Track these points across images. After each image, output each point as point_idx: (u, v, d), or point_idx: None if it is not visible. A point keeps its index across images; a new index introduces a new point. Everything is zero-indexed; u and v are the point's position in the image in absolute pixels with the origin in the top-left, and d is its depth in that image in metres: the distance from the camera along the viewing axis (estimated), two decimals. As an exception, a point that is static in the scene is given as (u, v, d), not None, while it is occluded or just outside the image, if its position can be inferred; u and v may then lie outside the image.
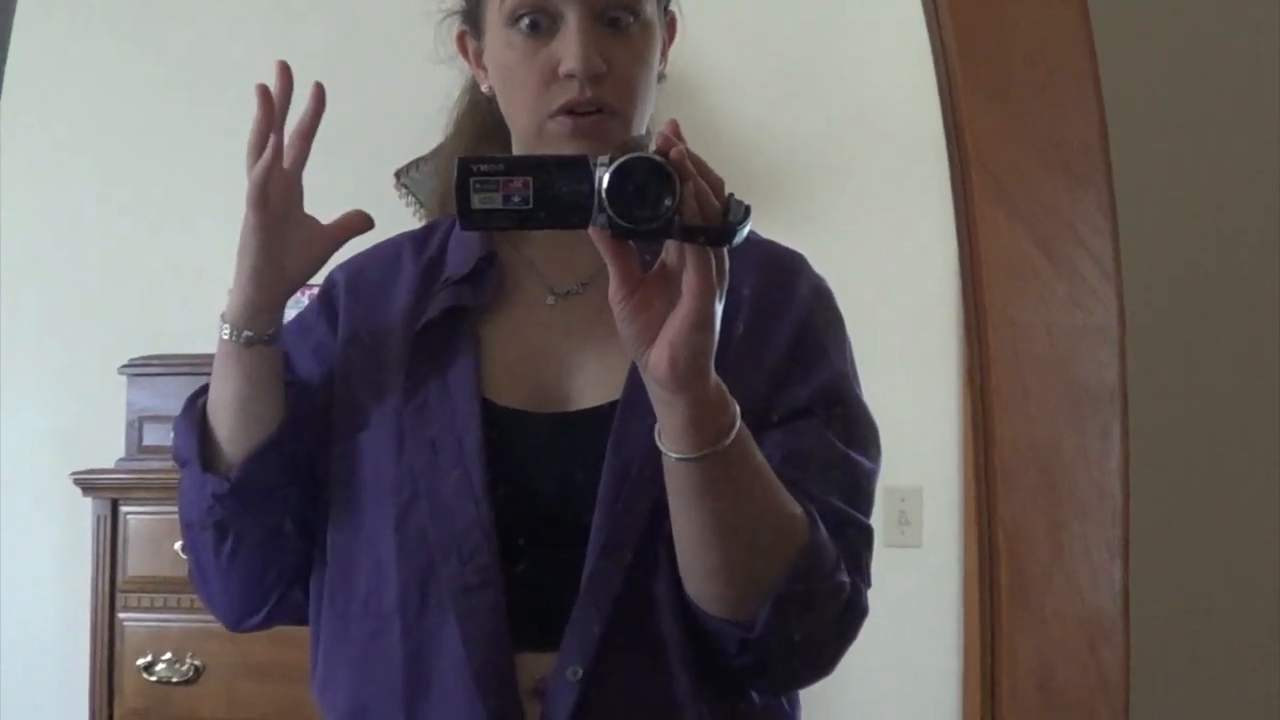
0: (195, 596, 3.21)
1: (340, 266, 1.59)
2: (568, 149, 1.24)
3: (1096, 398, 1.93)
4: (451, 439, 1.44)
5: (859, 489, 1.45)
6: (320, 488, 1.47)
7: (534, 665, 1.41)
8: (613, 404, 1.44)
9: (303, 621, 1.58)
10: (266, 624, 1.56)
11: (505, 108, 1.42)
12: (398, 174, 2.62)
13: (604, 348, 1.47)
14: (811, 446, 1.43)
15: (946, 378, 3.50)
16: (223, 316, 1.37)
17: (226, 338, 1.35)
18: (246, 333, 1.33)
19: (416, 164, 2.59)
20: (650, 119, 1.40)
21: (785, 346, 1.46)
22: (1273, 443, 1.98)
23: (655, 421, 1.29)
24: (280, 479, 1.41)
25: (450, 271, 1.53)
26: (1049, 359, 1.93)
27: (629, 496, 1.40)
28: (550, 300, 1.52)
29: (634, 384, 1.41)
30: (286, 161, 1.29)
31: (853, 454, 1.45)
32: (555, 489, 1.45)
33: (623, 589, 1.41)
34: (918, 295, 3.13)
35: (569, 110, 1.35)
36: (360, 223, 1.33)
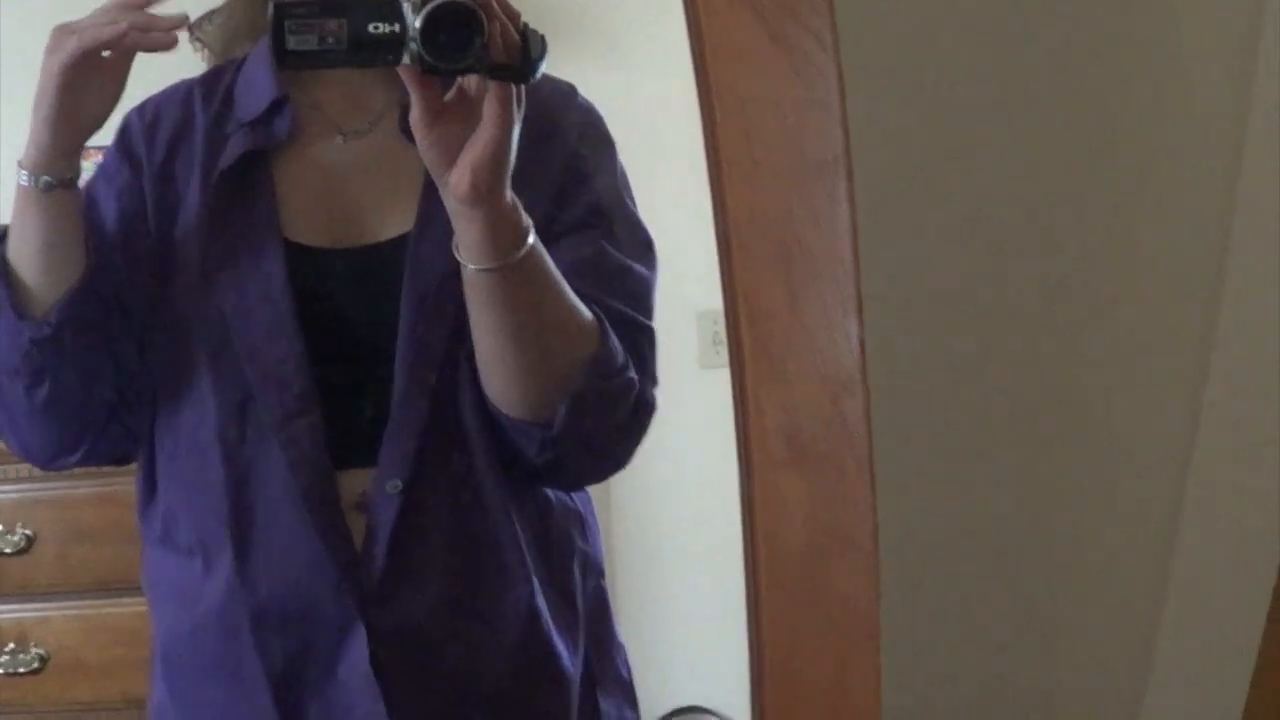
0: (21, 466, 3.21)
1: (135, 110, 1.64)
2: None
3: (822, 166, 2.06)
4: (258, 279, 1.50)
5: (640, 295, 1.54)
6: (138, 327, 1.54)
7: (356, 481, 1.47)
8: (406, 234, 1.52)
9: (118, 461, 1.64)
10: (84, 462, 1.62)
11: None
12: (191, 26, 2.64)
13: (394, 183, 1.53)
14: (592, 256, 1.51)
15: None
16: (20, 163, 1.42)
17: (25, 184, 1.39)
18: (45, 178, 1.37)
19: (210, 16, 2.61)
20: None
21: (560, 167, 1.54)
22: (1000, 199, 2.13)
23: (447, 250, 1.38)
24: (96, 319, 1.47)
25: (242, 115, 1.60)
26: (776, 132, 2.06)
27: (428, 319, 1.47)
28: (340, 140, 1.58)
29: (424, 216, 1.49)
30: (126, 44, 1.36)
31: (630, 263, 1.55)
32: (360, 319, 1.52)
33: (431, 406, 1.47)
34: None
35: None
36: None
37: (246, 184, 1.52)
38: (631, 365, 1.45)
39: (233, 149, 1.52)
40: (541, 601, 1.50)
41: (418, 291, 1.47)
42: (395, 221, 1.52)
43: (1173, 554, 2.32)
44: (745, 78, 2.05)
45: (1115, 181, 2.22)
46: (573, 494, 1.60)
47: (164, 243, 1.52)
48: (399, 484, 1.43)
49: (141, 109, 1.60)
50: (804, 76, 2.05)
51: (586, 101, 1.60)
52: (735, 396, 2.15)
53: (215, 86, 1.61)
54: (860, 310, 2.08)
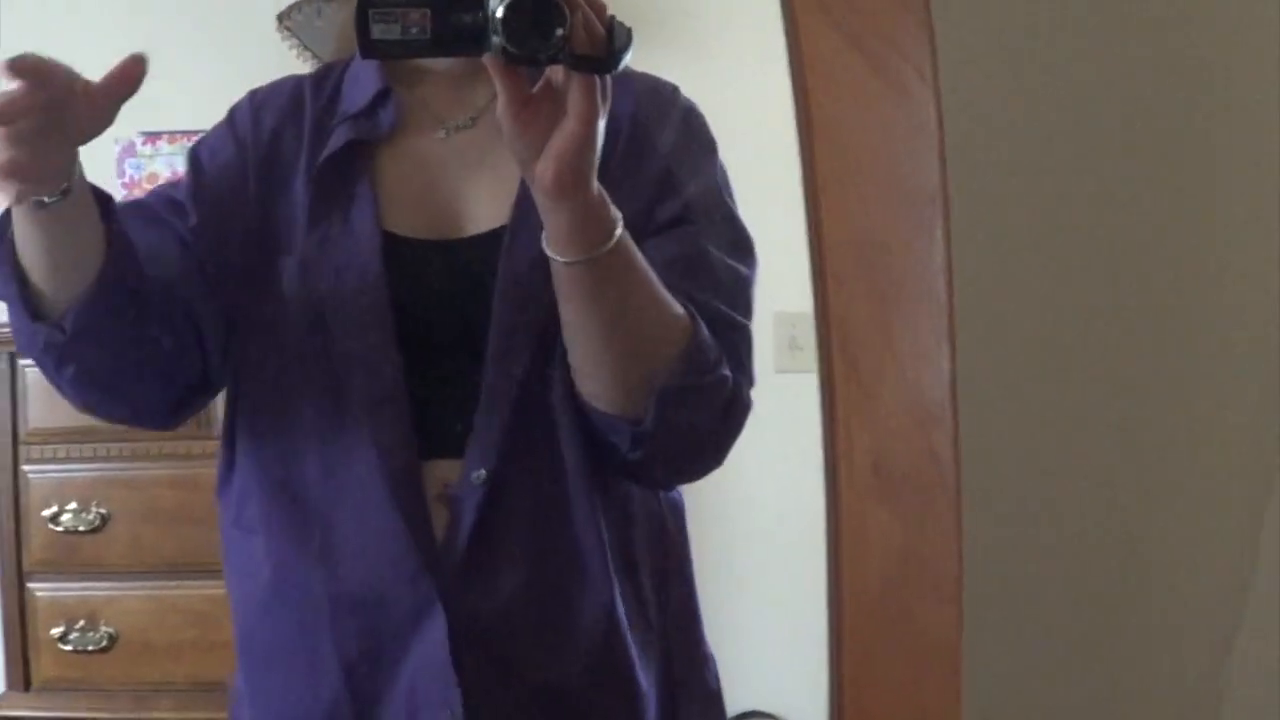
0: (98, 446, 3.22)
1: (249, 95, 1.66)
2: None
3: (919, 198, 2.06)
4: (355, 267, 1.51)
5: (736, 293, 1.53)
6: (210, 300, 1.55)
7: (441, 471, 1.48)
8: (502, 228, 1.53)
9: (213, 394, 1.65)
10: (180, 412, 1.63)
11: None
12: (280, 17, 2.64)
13: (493, 176, 1.53)
14: (687, 252, 1.50)
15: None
16: None
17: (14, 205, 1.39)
18: (35, 199, 1.37)
19: (299, 6, 2.61)
20: None
21: (661, 164, 1.54)
22: (1086, 233, 2.13)
23: (540, 245, 1.39)
24: (117, 309, 1.47)
25: (347, 107, 1.62)
26: (874, 163, 2.06)
27: (519, 313, 1.47)
28: (442, 134, 1.58)
29: (520, 209, 1.49)
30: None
31: (728, 260, 1.55)
32: (453, 310, 1.52)
33: (519, 398, 1.47)
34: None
35: None
36: (133, 75, 1.35)
37: (349, 173, 1.54)
38: (725, 362, 1.46)
39: (337, 139, 1.53)
40: (620, 608, 1.49)
41: (510, 285, 1.47)
42: (492, 215, 1.52)
43: (1257, 598, 2.31)
44: (845, 108, 2.05)
45: (1212, 224, 2.22)
46: (661, 505, 1.61)
47: (266, 222, 1.53)
48: (484, 475, 1.43)
49: (253, 94, 1.62)
50: (904, 108, 2.05)
51: (689, 101, 1.60)
52: (824, 424, 2.17)
53: (324, 82, 1.63)
54: (953, 342, 2.08)
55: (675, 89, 1.59)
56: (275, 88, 1.64)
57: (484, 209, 1.52)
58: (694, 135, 1.58)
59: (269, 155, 1.56)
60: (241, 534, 1.57)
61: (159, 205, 1.57)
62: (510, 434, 1.45)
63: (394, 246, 1.52)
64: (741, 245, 1.55)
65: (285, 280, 1.51)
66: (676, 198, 1.51)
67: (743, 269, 1.53)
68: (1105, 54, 2.04)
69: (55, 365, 1.44)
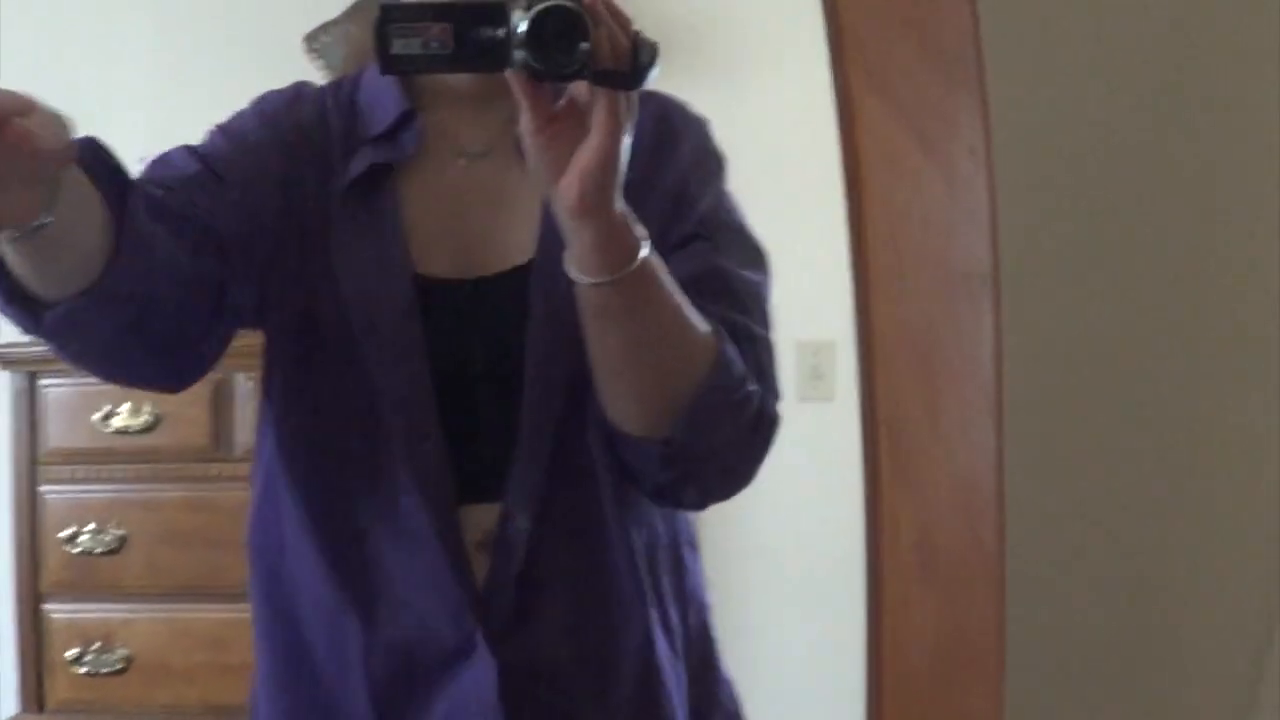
0: (116, 467, 3.20)
1: (272, 92, 1.61)
2: None
3: (969, 279, 2.02)
4: (388, 311, 1.49)
5: (755, 305, 1.50)
6: (250, 279, 1.47)
7: (477, 516, 1.47)
8: (529, 263, 1.50)
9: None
10: (195, 368, 1.55)
11: None
12: (307, 39, 2.59)
13: (515, 208, 1.50)
14: (706, 268, 1.47)
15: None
16: None
17: None
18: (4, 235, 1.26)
19: (326, 28, 2.55)
20: None
21: (675, 181, 1.51)
22: (1139, 312, 2.09)
23: (569, 278, 1.36)
24: (124, 311, 1.37)
25: (369, 128, 1.57)
26: (925, 244, 2.02)
27: (553, 352, 1.44)
28: (462, 163, 1.56)
29: (545, 243, 1.47)
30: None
31: (744, 272, 1.52)
32: (485, 351, 1.50)
33: (557, 439, 1.43)
34: (830, 150, 3.17)
35: None
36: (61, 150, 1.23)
37: (374, 200, 1.50)
38: (751, 378, 1.43)
39: (360, 161, 1.49)
40: (657, 642, 1.48)
41: (541, 323, 1.43)
42: (517, 250, 1.49)
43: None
44: (897, 189, 2.02)
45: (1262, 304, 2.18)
46: (677, 526, 1.58)
47: (287, 232, 1.49)
48: (526, 521, 1.41)
49: (279, 92, 1.57)
50: (956, 189, 2.01)
51: (699, 116, 1.57)
52: (867, 503, 2.14)
53: (339, 93, 1.59)
54: (1001, 425, 2.06)
55: (684, 104, 1.56)
56: (299, 90, 1.59)
57: (508, 243, 1.48)
58: (706, 151, 1.53)
59: (294, 156, 1.51)
60: (275, 564, 1.54)
61: (187, 180, 1.46)
62: (550, 476, 1.42)
63: (424, 288, 1.49)
64: (756, 257, 1.50)
65: (319, 306, 1.47)
66: (691, 214, 1.48)
67: (759, 278, 1.48)
68: (1160, 137, 2.00)
69: (56, 346, 1.35)
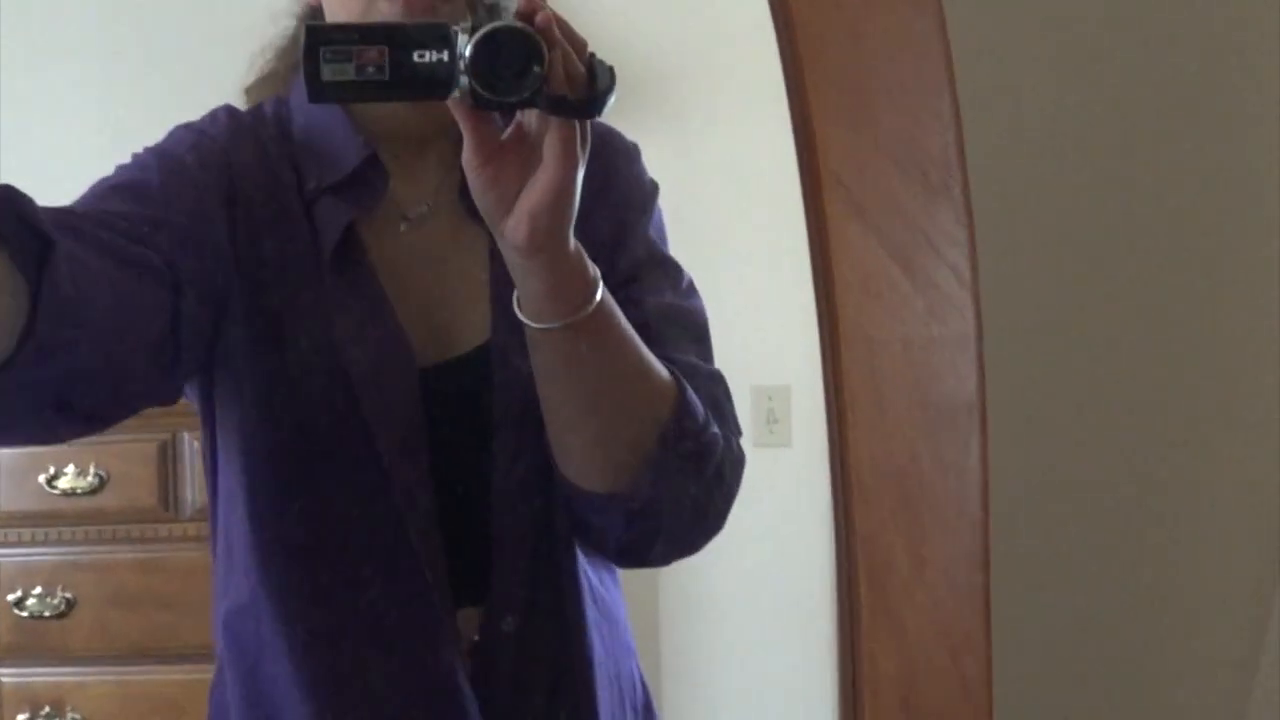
0: (63, 529, 3.13)
1: (198, 128, 1.42)
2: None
3: (955, 410, 1.89)
4: (395, 399, 1.35)
5: (701, 336, 1.44)
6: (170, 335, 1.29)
7: (463, 621, 1.36)
8: (485, 344, 1.38)
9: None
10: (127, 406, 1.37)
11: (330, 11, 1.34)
12: (247, 90, 2.47)
13: (463, 278, 1.39)
14: (650, 304, 1.39)
15: (809, 276, 3.42)
16: None
17: None
18: None
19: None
20: None
21: (616, 216, 1.42)
22: (1130, 446, 1.98)
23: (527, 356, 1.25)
24: (32, 393, 1.18)
25: (324, 171, 1.40)
26: (906, 374, 1.89)
27: (522, 439, 1.34)
28: (402, 228, 1.42)
29: (500, 319, 1.35)
30: None
31: (685, 303, 1.43)
32: (452, 443, 1.38)
33: (532, 530, 1.36)
34: (780, 194, 3.08)
35: None
36: None
37: (350, 265, 1.36)
38: (712, 419, 1.32)
39: (330, 216, 1.35)
40: (618, 699, 1.44)
41: (507, 410, 1.34)
42: (471, 328, 1.38)
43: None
44: (874, 315, 1.88)
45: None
46: (613, 584, 1.49)
47: (249, 269, 1.33)
48: (512, 621, 1.35)
49: (206, 131, 1.39)
50: (938, 314, 1.87)
51: (628, 143, 1.48)
52: (843, 649, 2.00)
53: (271, 128, 1.41)
54: (988, 565, 1.93)
55: (612, 130, 1.47)
56: (228, 127, 1.42)
57: (461, 320, 1.38)
58: (640, 181, 1.46)
59: (246, 200, 1.35)
60: (254, 665, 1.40)
61: (138, 212, 1.28)
62: (532, 572, 1.36)
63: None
64: (688, 285, 1.43)
65: (311, 385, 1.33)
66: (629, 250, 1.40)
67: (701, 307, 1.42)
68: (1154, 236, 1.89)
69: None
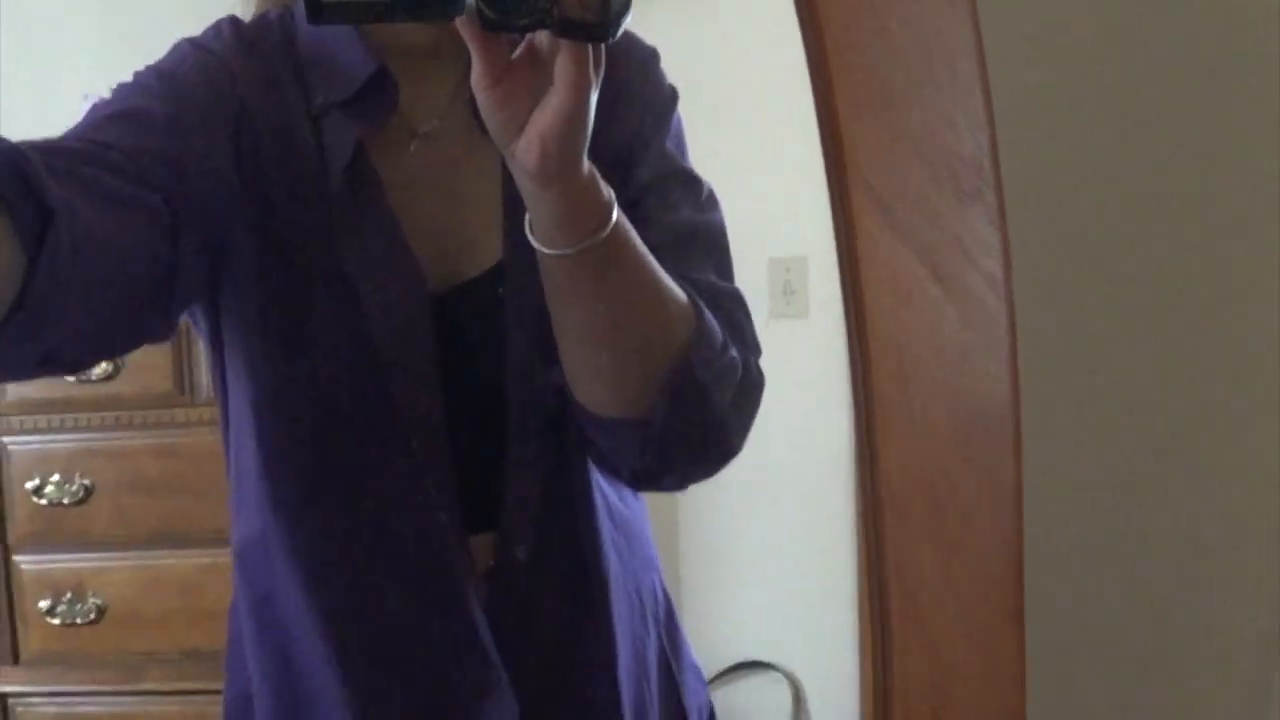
0: (79, 416, 3.12)
1: (203, 41, 1.38)
2: None
3: (988, 419, 1.83)
4: (417, 332, 1.34)
5: (721, 252, 1.43)
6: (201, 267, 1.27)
7: (477, 547, 1.38)
8: (498, 266, 1.35)
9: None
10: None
11: None
12: None
13: (475, 199, 1.37)
14: (668, 221, 1.37)
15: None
16: None
17: None
18: None
19: None
20: None
21: (632, 130, 1.40)
22: (1165, 450, 1.91)
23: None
24: (18, 353, 1.15)
25: (332, 87, 1.36)
26: (938, 382, 1.82)
27: (534, 366, 1.34)
28: (414, 145, 1.39)
29: (512, 241, 1.32)
30: None
31: (703, 217, 1.40)
32: (466, 371, 1.38)
33: (552, 459, 1.38)
34: (798, 64, 3.01)
35: None
36: None
37: (359, 185, 1.33)
38: (730, 341, 1.30)
39: (338, 135, 1.31)
40: (650, 648, 1.46)
41: (521, 334, 1.33)
42: (483, 251, 1.36)
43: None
44: (905, 322, 1.81)
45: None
46: (631, 502, 1.50)
47: (248, 215, 1.29)
48: (524, 550, 1.35)
49: (210, 48, 1.35)
50: (971, 321, 1.81)
51: (647, 48, 1.45)
52: (875, 662, 1.94)
53: (276, 38, 1.37)
54: (1020, 574, 1.87)
55: (631, 35, 1.44)
56: (239, 41, 1.38)
57: (473, 241, 1.36)
58: (657, 89, 1.43)
59: (260, 142, 1.31)
60: (267, 590, 1.41)
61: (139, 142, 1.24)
62: (545, 500, 1.36)
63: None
64: (708, 197, 1.42)
65: (319, 311, 1.31)
66: (645, 164, 1.38)
67: (721, 222, 1.41)
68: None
69: None
